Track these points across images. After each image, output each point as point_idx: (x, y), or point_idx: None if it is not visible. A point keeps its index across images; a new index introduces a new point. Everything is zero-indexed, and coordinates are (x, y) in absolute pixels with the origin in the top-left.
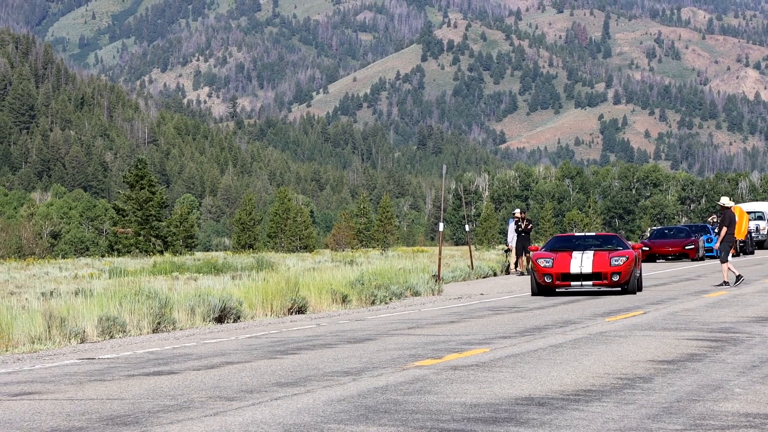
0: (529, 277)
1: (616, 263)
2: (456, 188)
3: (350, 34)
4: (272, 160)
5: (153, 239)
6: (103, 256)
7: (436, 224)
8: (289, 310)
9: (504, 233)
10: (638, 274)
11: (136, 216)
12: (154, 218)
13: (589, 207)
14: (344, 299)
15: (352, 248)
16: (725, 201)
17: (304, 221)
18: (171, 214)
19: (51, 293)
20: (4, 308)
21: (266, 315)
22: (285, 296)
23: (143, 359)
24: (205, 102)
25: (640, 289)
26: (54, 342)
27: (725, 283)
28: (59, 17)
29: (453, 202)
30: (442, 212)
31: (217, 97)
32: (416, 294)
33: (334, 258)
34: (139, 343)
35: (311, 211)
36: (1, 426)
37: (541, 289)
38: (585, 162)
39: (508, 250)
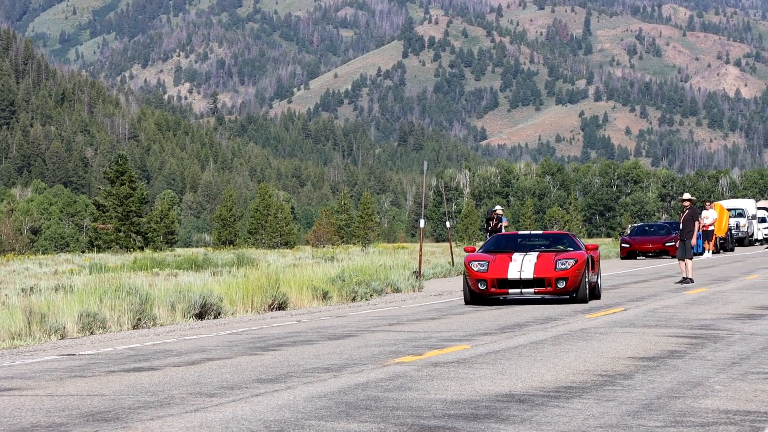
0: (462, 282)
1: (563, 267)
2: (437, 185)
3: (331, 30)
4: (253, 156)
5: (133, 235)
6: (83, 251)
7: (417, 221)
8: (269, 306)
9: (484, 230)
10: (594, 279)
11: (116, 212)
12: (135, 214)
13: (570, 204)
14: (325, 296)
15: (333, 245)
16: (687, 195)
17: (285, 217)
18: (151, 210)
19: (31, 289)
20: None
21: (247, 311)
22: (266, 292)
23: (123, 355)
24: (185, 98)
25: (597, 296)
26: (34, 338)
27: (687, 279)
28: (40, 12)
29: (434, 199)
30: (423, 209)
31: (198, 93)
32: (397, 290)
33: (315, 254)
34: (120, 339)
35: (292, 208)
36: None
37: (474, 297)
38: (566, 159)
39: None
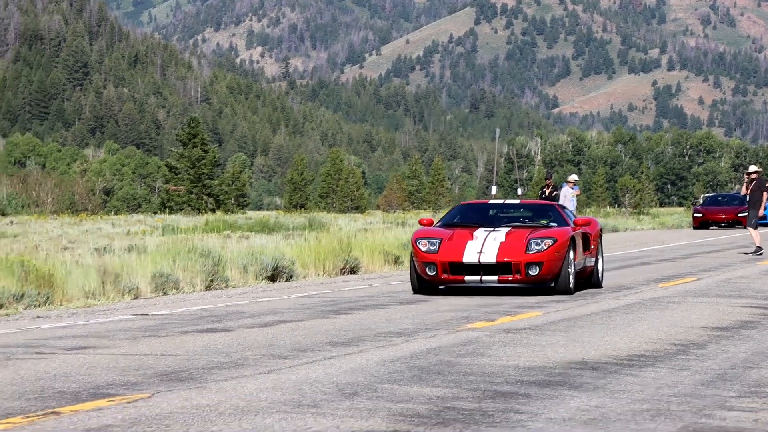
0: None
1: (536, 248)
2: (508, 152)
3: None
4: (324, 121)
5: (205, 197)
6: (155, 213)
7: (488, 187)
8: (341, 270)
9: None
10: (591, 264)
11: (188, 174)
12: (207, 176)
13: (642, 173)
14: (396, 260)
15: (404, 210)
16: (753, 168)
17: (356, 182)
18: (223, 173)
19: (104, 249)
20: (59, 263)
21: (318, 275)
22: (337, 256)
23: (197, 316)
24: (257, 62)
25: (596, 284)
26: (108, 297)
27: (758, 249)
28: None
29: (505, 166)
30: (494, 175)
31: (270, 57)
32: None
33: (386, 219)
34: (193, 300)
35: (363, 172)
36: (57, 379)
37: (422, 284)
38: (638, 128)
39: None
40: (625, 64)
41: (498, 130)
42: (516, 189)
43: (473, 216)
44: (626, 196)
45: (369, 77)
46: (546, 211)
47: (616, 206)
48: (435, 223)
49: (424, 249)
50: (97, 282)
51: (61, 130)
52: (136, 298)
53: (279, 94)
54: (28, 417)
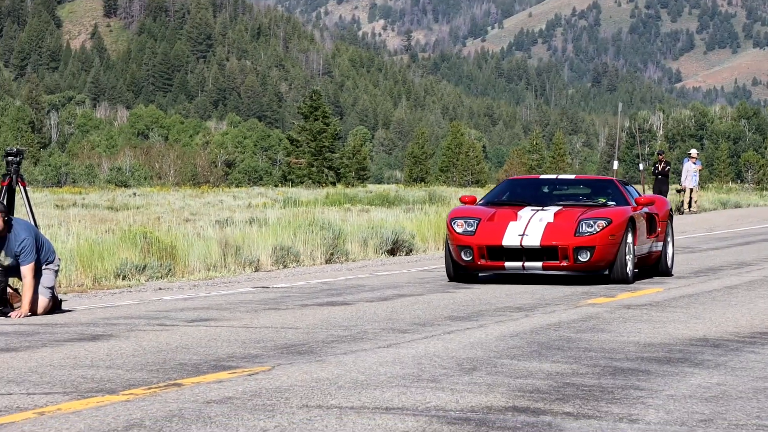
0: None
1: (588, 231)
2: (630, 126)
3: None
4: (445, 95)
5: (326, 170)
6: (276, 185)
7: (609, 162)
8: None
9: (678, 173)
10: (655, 249)
11: (309, 147)
12: (328, 149)
13: (766, 148)
14: None
15: None
16: None
17: (476, 156)
18: (344, 146)
19: (225, 221)
20: (181, 235)
21: (438, 249)
22: None
23: (317, 289)
24: (379, 35)
25: (664, 271)
26: (229, 270)
27: None
28: None
29: (627, 141)
30: (616, 150)
31: (392, 30)
32: None
33: None
34: (313, 273)
35: (483, 147)
36: (179, 351)
37: (458, 271)
38: (762, 103)
39: (681, 190)
40: (750, 38)
41: (620, 105)
42: (638, 164)
43: (521, 193)
44: (749, 171)
45: (491, 51)
46: (604, 188)
47: (738, 182)
48: (478, 201)
49: (459, 230)
50: (218, 254)
51: (184, 102)
52: (256, 270)
53: (401, 68)
54: (150, 388)
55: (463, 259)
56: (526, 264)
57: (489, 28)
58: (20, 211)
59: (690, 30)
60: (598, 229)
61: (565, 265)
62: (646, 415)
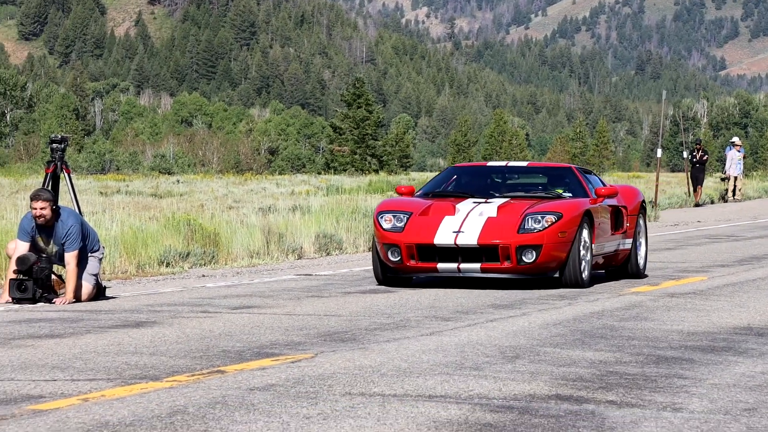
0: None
1: (533, 227)
2: (674, 114)
3: None
4: (489, 82)
5: (369, 158)
6: (319, 173)
7: (653, 150)
8: None
9: (722, 161)
10: (623, 247)
11: (352, 134)
12: (371, 137)
13: None
14: None
15: None
16: None
17: (520, 144)
18: (387, 134)
19: (268, 209)
20: (224, 222)
21: None
22: None
23: (359, 277)
24: (423, 22)
25: (634, 273)
26: (272, 257)
27: None
28: None
29: (670, 129)
30: (660, 138)
31: (435, 17)
32: None
33: None
34: (356, 261)
35: (527, 134)
36: (222, 338)
37: (386, 273)
38: None
39: (724, 178)
40: None
41: (665, 92)
42: (681, 152)
43: (466, 182)
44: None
45: (534, 38)
46: (561, 177)
47: None
48: (416, 191)
49: (386, 227)
50: (261, 242)
51: (228, 90)
52: (299, 258)
53: (444, 55)
54: (193, 375)
55: (390, 260)
56: (462, 266)
57: (532, 15)
58: (64, 198)
59: (734, 17)
60: (547, 225)
61: (508, 266)
62: (690, 403)
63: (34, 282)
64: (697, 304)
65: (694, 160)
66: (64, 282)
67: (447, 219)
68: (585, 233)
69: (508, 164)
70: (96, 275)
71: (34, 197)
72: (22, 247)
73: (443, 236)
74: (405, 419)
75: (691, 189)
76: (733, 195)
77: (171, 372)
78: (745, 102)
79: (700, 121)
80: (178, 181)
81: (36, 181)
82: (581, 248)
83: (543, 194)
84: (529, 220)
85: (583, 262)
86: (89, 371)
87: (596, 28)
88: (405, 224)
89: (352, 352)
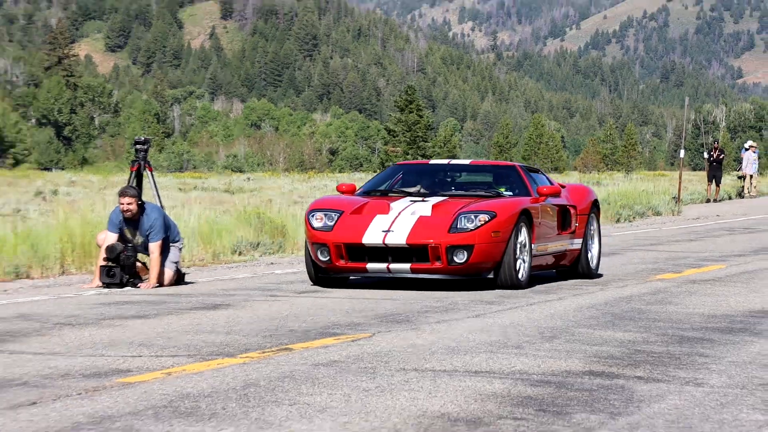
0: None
1: (465, 227)
2: (695, 118)
3: None
4: (527, 89)
5: (419, 158)
6: (375, 171)
7: (677, 151)
8: None
9: (738, 161)
10: (572, 247)
11: (405, 137)
12: (421, 139)
13: None
14: None
15: (599, 171)
16: None
17: (556, 145)
18: (436, 136)
19: None
20: (290, 215)
21: None
22: None
23: None
24: (468, 35)
25: (588, 273)
26: None
27: None
28: None
29: (692, 131)
30: (683, 140)
31: (480, 31)
32: (657, 214)
33: (582, 179)
34: None
35: (562, 137)
36: (289, 319)
37: (318, 273)
38: None
39: (742, 177)
40: None
41: (687, 99)
42: (702, 152)
43: (408, 180)
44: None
45: (569, 50)
46: (505, 176)
47: None
48: (357, 189)
49: (316, 225)
50: None
51: (293, 96)
52: None
53: (487, 65)
54: (264, 352)
55: (320, 260)
56: (392, 266)
57: (567, 29)
58: (147, 194)
59: (751, 30)
60: (479, 225)
61: (438, 267)
62: (710, 379)
63: (122, 269)
64: (716, 290)
65: (711, 159)
66: (147, 269)
67: (378, 218)
68: (523, 233)
69: (450, 162)
70: (176, 263)
71: (122, 194)
72: (111, 238)
73: (372, 236)
74: (454, 392)
75: (710, 186)
76: (749, 192)
77: (244, 349)
78: (760, 107)
79: (719, 125)
80: (248, 178)
81: (122, 178)
82: (518, 248)
83: (482, 193)
84: (462, 219)
85: (519, 263)
86: (171, 348)
87: (625, 40)
88: (335, 223)
89: (406, 332)
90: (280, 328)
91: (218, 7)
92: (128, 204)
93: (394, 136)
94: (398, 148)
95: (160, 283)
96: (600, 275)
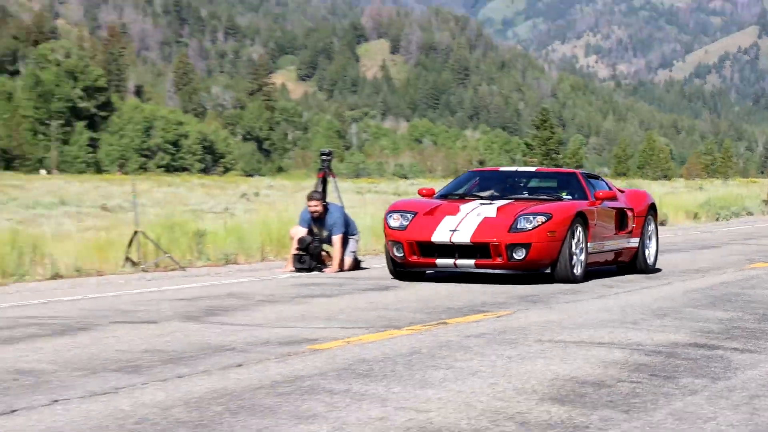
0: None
1: (524, 227)
2: None
3: (704, 17)
4: (642, 111)
5: (553, 167)
6: None
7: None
8: None
9: None
10: (628, 246)
11: (540, 150)
12: (553, 152)
13: None
14: (695, 216)
15: (701, 178)
16: None
17: (665, 157)
18: (566, 149)
19: None
20: None
21: None
22: None
23: None
24: (592, 66)
25: (645, 269)
26: None
27: None
28: (487, 2)
29: None
30: None
31: (602, 63)
32: (750, 213)
33: (687, 185)
34: None
35: (670, 150)
36: (446, 299)
37: (395, 267)
38: None
39: None
40: None
41: None
42: None
43: (483, 185)
44: None
45: (676, 78)
46: (567, 182)
47: None
48: (435, 193)
49: (393, 225)
50: None
51: (448, 116)
52: None
53: (608, 91)
54: (425, 326)
55: (396, 255)
56: (459, 261)
57: (675, 61)
58: (331, 196)
59: None
60: (536, 225)
61: (500, 262)
62: None
63: (310, 257)
64: None
65: None
66: (331, 257)
67: (447, 218)
68: (578, 233)
69: (518, 169)
70: (354, 252)
71: (310, 198)
72: (301, 231)
73: (440, 234)
74: (581, 360)
75: None
76: None
77: (409, 323)
78: None
79: None
80: (412, 183)
81: (310, 183)
82: (573, 246)
83: (544, 197)
84: (521, 220)
85: (576, 260)
86: (350, 321)
87: (723, 70)
88: (409, 223)
89: (541, 310)
90: (438, 307)
91: (388, 44)
92: (314, 206)
93: (531, 149)
94: (535, 159)
95: (341, 268)
96: (658, 270)
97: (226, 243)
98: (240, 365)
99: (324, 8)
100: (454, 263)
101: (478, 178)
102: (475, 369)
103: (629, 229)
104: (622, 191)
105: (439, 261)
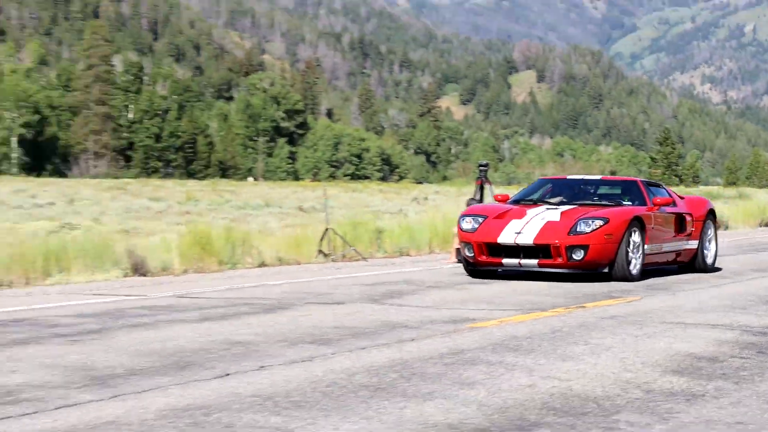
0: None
1: (582, 230)
2: None
3: None
4: (749, 131)
5: (673, 177)
6: None
7: None
8: (759, 224)
9: None
10: (687, 247)
11: (662, 163)
12: (674, 164)
13: None
14: None
15: None
16: None
17: None
18: (684, 163)
19: None
20: None
21: (743, 227)
22: (756, 216)
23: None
24: (707, 93)
25: (704, 269)
26: None
27: None
28: (618, 39)
29: None
30: None
31: (715, 90)
32: None
33: None
34: None
35: None
36: (585, 287)
37: (468, 266)
38: None
39: None
40: None
41: None
42: None
43: (551, 192)
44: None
45: None
46: (629, 189)
47: None
48: (510, 198)
49: (465, 227)
50: None
51: (585, 134)
52: None
53: (720, 114)
54: (567, 309)
55: (467, 255)
56: (523, 261)
57: None
58: (487, 199)
59: None
60: (594, 228)
61: (560, 262)
62: None
63: None
64: None
65: None
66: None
67: (513, 222)
68: (635, 235)
69: (584, 177)
70: None
71: (468, 204)
72: None
73: (506, 236)
74: (698, 339)
75: None
76: None
77: (553, 306)
78: None
79: None
80: None
81: (469, 189)
82: (630, 248)
83: (606, 202)
84: (581, 224)
85: (632, 260)
86: (503, 305)
87: None
88: (479, 226)
89: (665, 297)
90: (578, 293)
91: (535, 74)
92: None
93: (655, 162)
94: (658, 171)
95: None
96: (718, 269)
97: (400, 238)
98: (413, 339)
99: (482, 44)
100: (519, 263)
101: (550, 185)
102: (608, 345)
103: (688, 232)
104: (682, 198)
105: (505, 261)
